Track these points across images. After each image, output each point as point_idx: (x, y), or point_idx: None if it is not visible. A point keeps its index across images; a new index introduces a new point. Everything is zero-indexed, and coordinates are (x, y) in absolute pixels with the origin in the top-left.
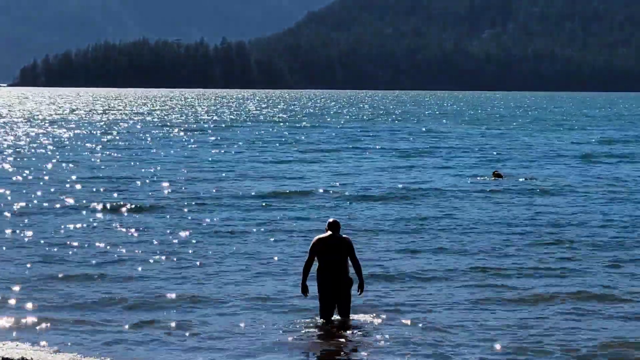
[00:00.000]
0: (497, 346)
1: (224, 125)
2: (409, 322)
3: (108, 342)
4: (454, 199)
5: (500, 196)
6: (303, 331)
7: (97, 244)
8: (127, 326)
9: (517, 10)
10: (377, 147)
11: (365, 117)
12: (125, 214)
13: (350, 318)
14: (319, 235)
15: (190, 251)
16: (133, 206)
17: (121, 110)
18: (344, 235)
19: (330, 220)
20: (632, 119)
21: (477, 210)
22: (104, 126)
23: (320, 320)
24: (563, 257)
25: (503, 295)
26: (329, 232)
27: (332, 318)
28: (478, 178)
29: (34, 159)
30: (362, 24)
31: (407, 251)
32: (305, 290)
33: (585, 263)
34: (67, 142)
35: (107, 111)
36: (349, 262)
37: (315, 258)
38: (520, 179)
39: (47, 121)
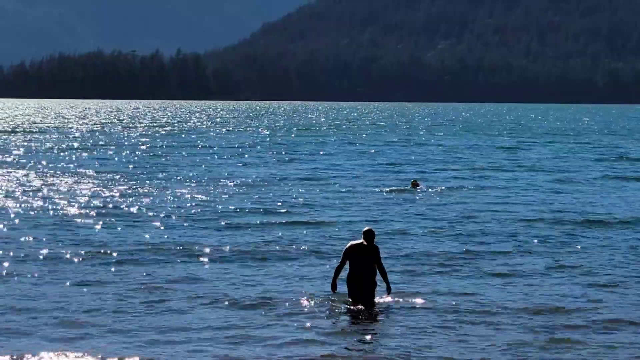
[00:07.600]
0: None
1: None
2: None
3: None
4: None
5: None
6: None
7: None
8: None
9: (473, 21)
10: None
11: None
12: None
13: (375, 312)
14: (352, 241)
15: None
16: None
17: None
18: (374, 244)
19: (365, 229)
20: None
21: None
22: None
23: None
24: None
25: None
26: (362, 240)
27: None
28: (397, 189)
29: None
30: (319, 35)
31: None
32: (334, 287)
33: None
34: None
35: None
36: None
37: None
38: (438, 189)
39: None
